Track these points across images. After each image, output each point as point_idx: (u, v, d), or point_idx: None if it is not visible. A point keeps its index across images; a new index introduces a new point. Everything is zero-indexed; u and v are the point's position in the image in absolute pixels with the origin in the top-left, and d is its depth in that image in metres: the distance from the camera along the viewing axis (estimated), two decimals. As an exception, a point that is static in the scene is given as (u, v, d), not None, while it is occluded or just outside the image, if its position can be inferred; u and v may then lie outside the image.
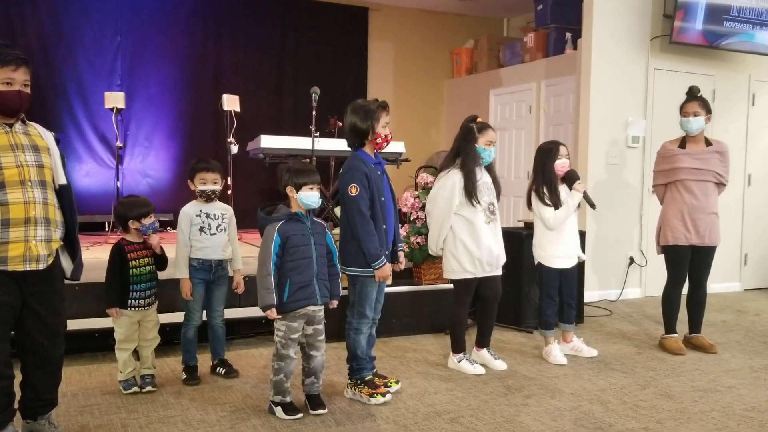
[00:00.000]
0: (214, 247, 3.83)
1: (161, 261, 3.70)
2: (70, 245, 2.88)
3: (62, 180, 2.84)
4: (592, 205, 4.45)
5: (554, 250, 4.40)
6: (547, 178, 4.36)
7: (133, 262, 3.57)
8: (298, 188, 3.27)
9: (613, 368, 4.22)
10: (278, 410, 3.29)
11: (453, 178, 3.99)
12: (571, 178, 4.39)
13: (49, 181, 2.78)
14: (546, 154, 4.40)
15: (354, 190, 3.45)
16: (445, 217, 4.01)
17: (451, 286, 4.23)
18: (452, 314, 4.18)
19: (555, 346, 4.39)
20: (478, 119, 4.11)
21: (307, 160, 6.04)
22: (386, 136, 3.59)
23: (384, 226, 3.55)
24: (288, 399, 3.31)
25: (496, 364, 4.17)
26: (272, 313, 3.20)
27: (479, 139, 4.02)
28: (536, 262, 4.48)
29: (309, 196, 3.28)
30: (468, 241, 4.00)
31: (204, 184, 3.83)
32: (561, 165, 4.36)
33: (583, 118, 6.38)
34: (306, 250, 3.26)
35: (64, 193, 2.84)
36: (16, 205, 2.64)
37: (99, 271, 4.46)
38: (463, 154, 4.03)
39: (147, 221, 3.58)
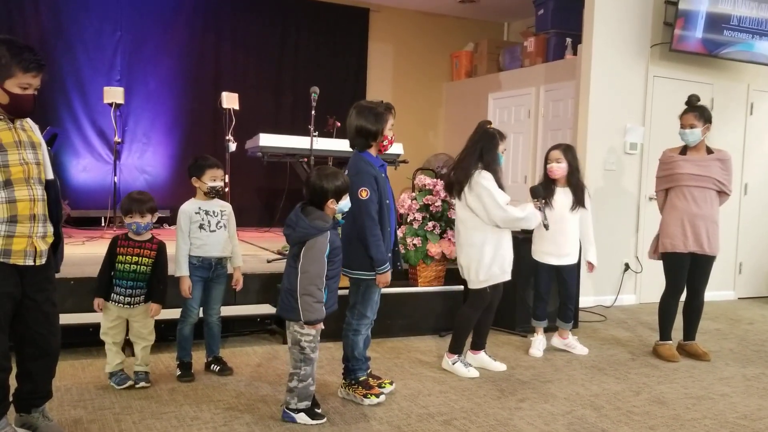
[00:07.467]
0: (213, 244, 3.82)
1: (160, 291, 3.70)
2: (55, 238, 2.91)
3: (50, 175, 2.85)
4: (546, 226, 4.32)
5: (542, 246, 4.52)
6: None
7: (120, 257, 3.57)
8: (339, 197, 3.22)
9: (606, 374, 4.23)
10: (301, 416, 3.18)
11: (488, 177, 3.96)
12: (536, 194, 4.35)
13: (44, 178, 2.81)
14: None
15: (365, 193, 3.43)
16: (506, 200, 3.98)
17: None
18: (464, 317, 4.13)
19: (538, 339, 4.47)
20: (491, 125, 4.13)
21: (304, 159, 6.05)
22: (391, 138, 3.60)
23: (388, 229, 3.54)
24: (310, 404, 3.24)
25: (495, 366, 4.19)
26: (320, 326, 3.17)
27: (500, 145, 4.05)
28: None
29: (348, 204, 3.28)
30: (505, 245, 4.06)
31: (214, 180, 3.84)
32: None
33: (581, 123, 6.39)
34: (342, 258, 3.28)
35: (51, 188, 2.85)
36: (23, 202, 2.68)
37: (94, 266, 4.44)
38: (487, 157, 4.00)
39: (127, 219, 3.57)
